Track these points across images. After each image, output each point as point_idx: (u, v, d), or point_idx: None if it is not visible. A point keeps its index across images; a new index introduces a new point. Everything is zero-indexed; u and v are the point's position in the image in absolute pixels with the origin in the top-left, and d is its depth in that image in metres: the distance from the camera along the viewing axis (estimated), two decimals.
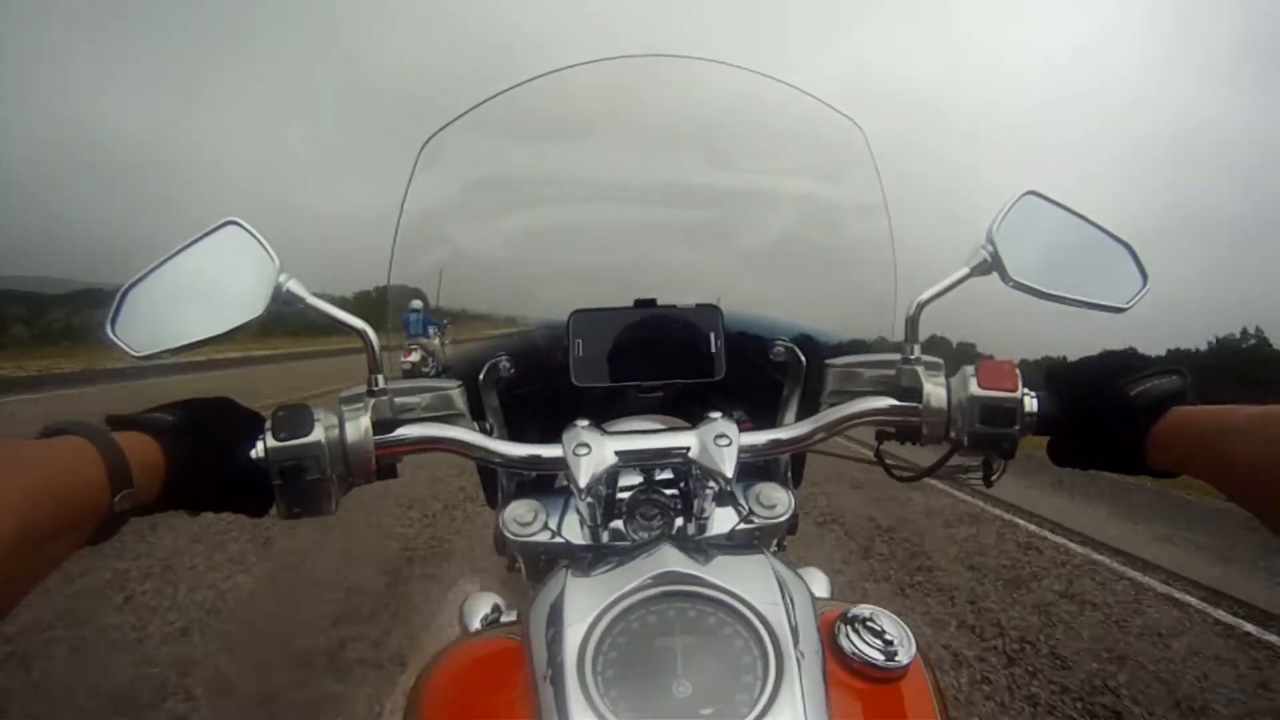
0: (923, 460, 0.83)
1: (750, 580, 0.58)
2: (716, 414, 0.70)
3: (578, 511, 0.72)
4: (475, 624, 0.90)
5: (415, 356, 12.05)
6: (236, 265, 0.72)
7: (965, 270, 0.74)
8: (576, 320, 0.84)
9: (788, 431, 0.73)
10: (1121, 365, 0.71)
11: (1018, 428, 0.71)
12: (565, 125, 0.97)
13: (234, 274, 0.72)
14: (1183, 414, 0.66)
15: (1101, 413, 0.70)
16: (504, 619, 0.89)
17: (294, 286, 0.71)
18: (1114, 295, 0.75)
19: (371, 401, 0.71)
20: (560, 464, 0.68)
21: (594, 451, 0.67)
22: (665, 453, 0.68)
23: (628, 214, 0.99)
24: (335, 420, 0.69)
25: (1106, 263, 0.77)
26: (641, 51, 0.90)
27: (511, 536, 0.73)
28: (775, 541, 0.78)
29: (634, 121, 0.98)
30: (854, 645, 0.58)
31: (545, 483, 0.78)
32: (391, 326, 0.85)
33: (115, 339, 0.73)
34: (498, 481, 0.84)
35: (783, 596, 0.57)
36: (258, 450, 0.67)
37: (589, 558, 0.66)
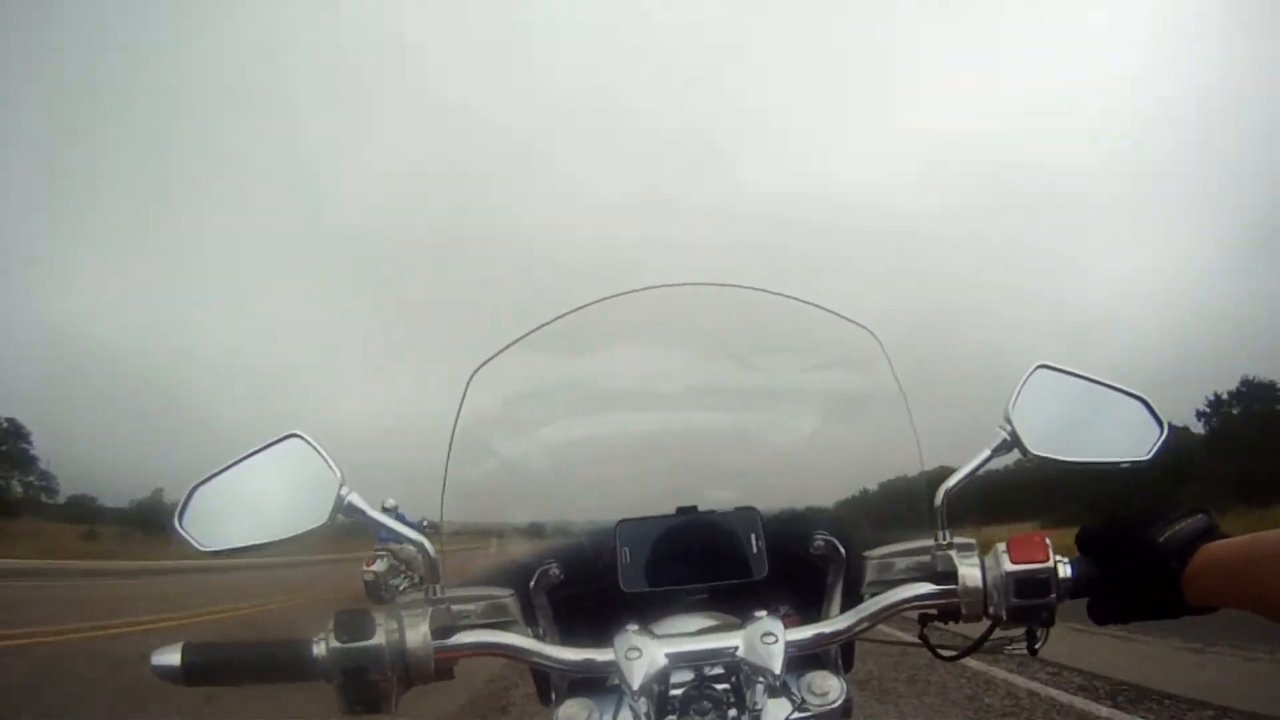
0: (968, 635, 0.85)
1: None
2: (762, 613, 0.73)
3: (631, 709, 0.74)
4: None
5: (379, 566, 10.53)
6: (299, 475, 0.79)
7: (986, 453, 0.80)
8: (623, 529, 0.90)
9: (832, 625, 0.77)
10: (1147, 516, 0.75)
11: (1054, 595, 0.74)
12: (600, 346, 1.06)
13: (297, 483, 0.79)
14: (1213, 550, 0.70)
15: (1134, 565, 0.73)
16: None
17: (355, 499, 0.77)
18: (1134, 449, 0.80)
19: (430, 610, 0.76)
20: (613, 667, 0.71)
21: (645, 654, 0.70)
22: (714, 654, 0.72)
23: (665, 424, 1.07)
24: (395, 625, 0.73)
25: (1123, 418, 0.82)
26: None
27: None
28: None
29: (663, 340, 1.09)
30: None
31: (598, 681, 0.80)
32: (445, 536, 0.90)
33: (184, 532, 0.79)
34: (551, 682, 0.87)
35: None
36: (319, 650, 0.72)
37: None
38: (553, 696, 0.85)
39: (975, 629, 0.81)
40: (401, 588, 11.16)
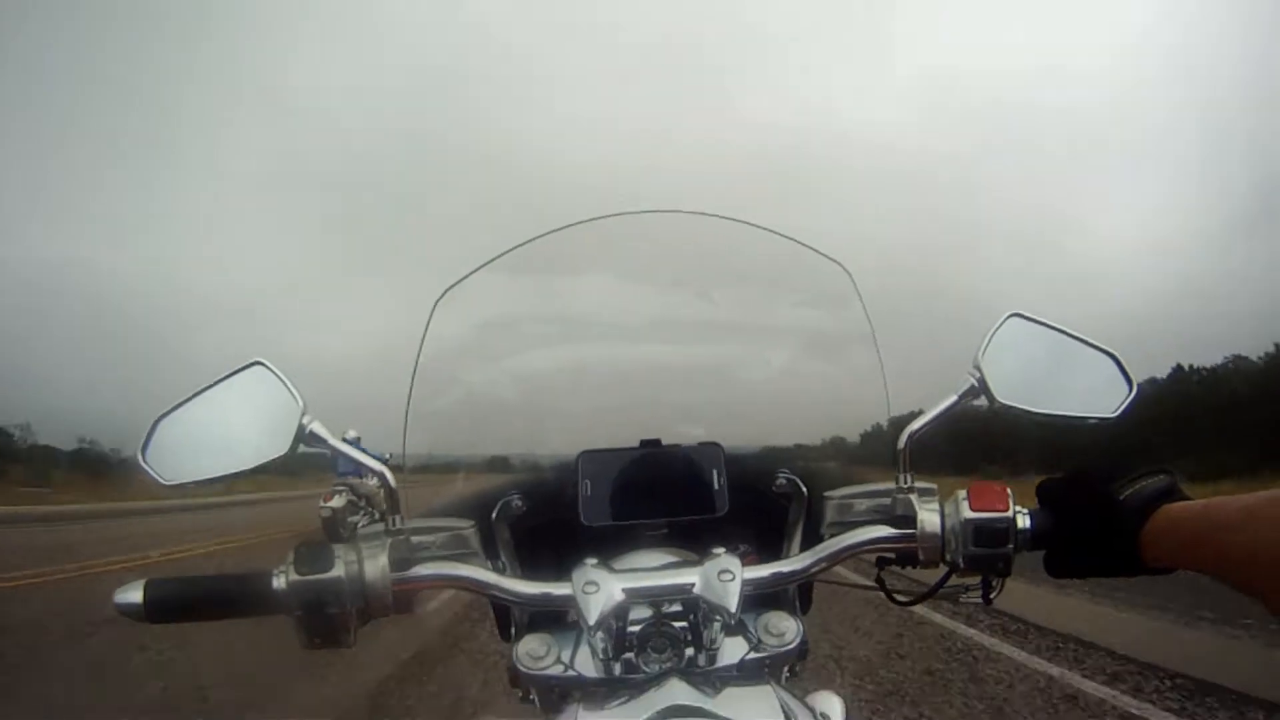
0: (924, 582, 0.86)
1: (755, 712, 0.61)
2: (720, 550, 0.73)
3: (589, 645, 0.75)
4: None
5: (337, 502, 10.22)
6: (262, 404, 0.78)
7: (953, 398, 0.80)
8: (585, 461, 0.90)
9: (790, 564, 0.78)
10: (1109, 473, 0.75)
11: (1011, 546, 0.75)
12: (569, 274, 1.06)
13: (259, 412, 0.78)
14: (1173, 511, 0.70)
15: (1092, 521, 0.74)
16: None
17: (317, 428, 0.76)
18: (1102, 405, 0.80)
19: (389, 541, 0.76)
20: (570, 601, 0.71)
21: (602, 589, 0.70)
22: (671, 590, 0.72)
23: (631, 356, 1.06)
24: (354, 557, 0.73)
25: (1093, 373, 0.82)
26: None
27: (525, 670, 0.76)
28: (787, 669, 0.81)
29: (634, 269, 1.07)
30: None
31: (558, 615, 0.81)
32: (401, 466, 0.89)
33: (147, 466, 0.78)
34: (511, 616, 0.87)
35: None
36: (279, 582, 0.72)
37: (601, 692, 0.69)
38: (513, 631, 0.85)
39: (931, 575, 0.83)
40: (360, 524, 10.52)
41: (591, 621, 0.68)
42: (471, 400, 1.03)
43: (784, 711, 0.61)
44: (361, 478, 10.85)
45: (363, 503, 11.00)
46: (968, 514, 0.75)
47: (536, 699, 0.83)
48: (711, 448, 0.92)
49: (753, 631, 0.77)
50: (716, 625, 0.72)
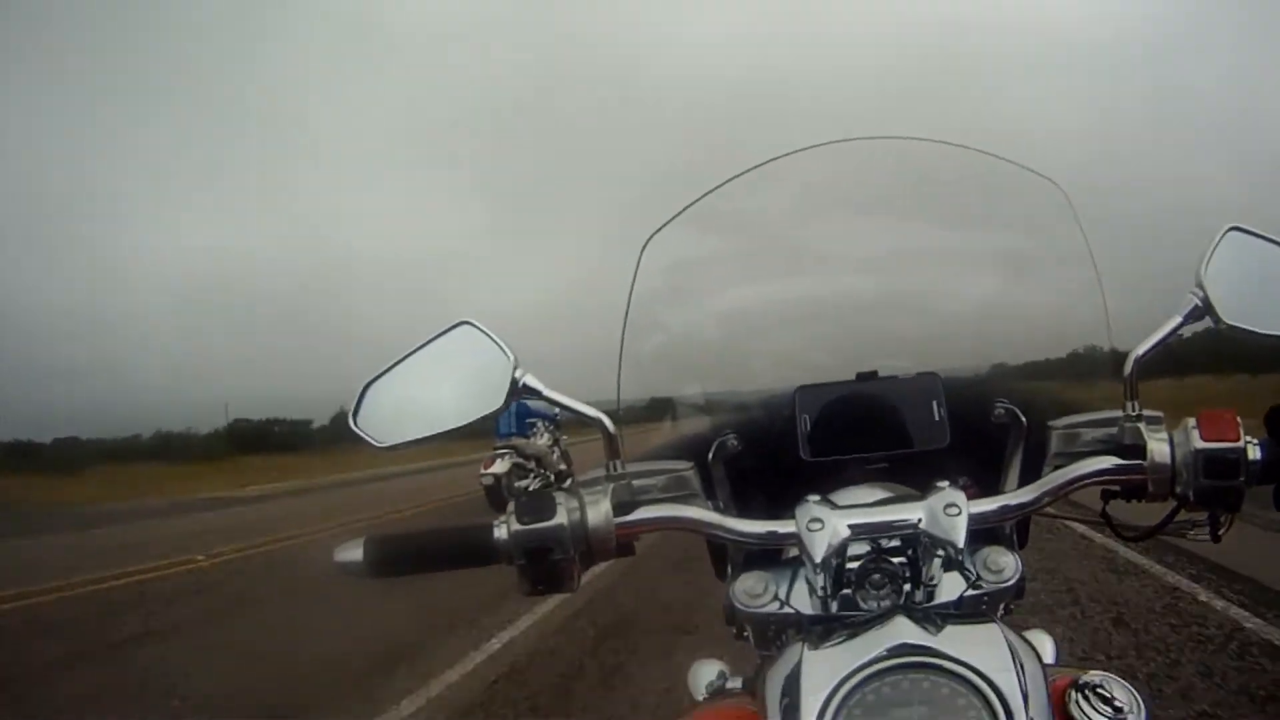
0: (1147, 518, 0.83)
1: (983, 650, 0.59)
2: (944, 483, 0.71)
3: (807, 581, 0.74)
4: (702, 690, 0.93)
5: (499, 467, 9.89)
6: (472, 362, 0.79)
7: (1178, 319, 0.75)
8: (802, 396, 0.89)
9: (1016, 497, 0.75)
10: None
11: (1242, 479, 0.71)
12: (773, 208, 1.04)
13: (470, 370, 0.79)
14: None
15: None
16: (728, 685, 0.92)
17: (530, 380, 0.77)
18: None
19: (610, 486, 0.77)
20: (794, 539, 0.70)
21: (826, 526, 0.69)
22: (895, 525, 0.70)
23: (839, 288, 1.04)
24: (577, 504, 0.74)
25: None
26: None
27: (742, 608, 0.76)
28: (1002, 606, 0.79)
29: (838, 198, 1.05)
30: (1085, 714, 0.60)
31: (773, 553, 0.81)
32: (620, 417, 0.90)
33: (360, 430, 0.81)
34: (727, 554, 0.87)
35: (1014, 665, 0.58)
36: (501, 533, 0.73)
37: (823, 629, 0.68)
38: (729, 572, 0.85)
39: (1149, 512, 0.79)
40: (530, 488, 10.21)
41: (817, 559, 0.67)
42: (681, 341, 1.03)
43: (1010, 651, 0.59)
44: (528, 437, 10.56)
45: (531, 464, 10.59)
46: (1198, 443, 0.71)
47: (751, 636, 0.83)
48: (929, 378, 0.90)
49: (971, 568, 0.74)
50: (936, 562, 0.71)
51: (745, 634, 0.83)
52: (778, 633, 0.77)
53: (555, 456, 11.12)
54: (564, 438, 11.43)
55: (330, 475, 19.92)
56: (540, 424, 11.02)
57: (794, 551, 0.75)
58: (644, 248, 0.92)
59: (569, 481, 0.81)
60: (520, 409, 9.64)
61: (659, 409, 1.04)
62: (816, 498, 0.71)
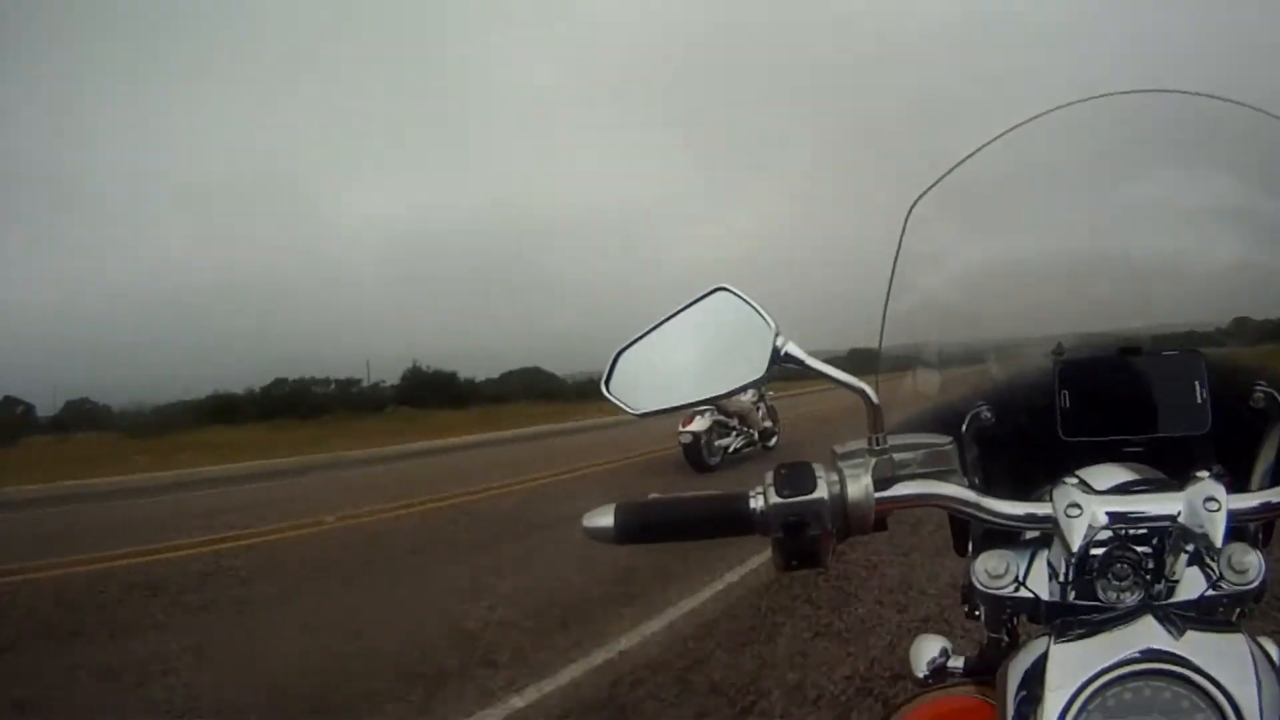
0: None
1: (1228, 662, 0.58)
2: (1203, 474, 0.68)
3: (1049, 565, 0.74)
4: (923, 667, 0.93)
5: (698, 424, 9.41)
6: (731, 329, 0.78)
7: None
8: (1064, 370, 0.86)
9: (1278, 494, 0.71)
10: None
11: None
12: (1033, 169, 1.01)
13: (729, 337, 0.79)
14: None
15: None
16: (950, 663, 0.92)
17: (791, 348, 0.76)
18: None
19: (872, 460, 0.76)
20: (1050, 522, 0.69)
21: (1085, 512, 0.67)
22: (1154, 517, 0.68)
23: (1099, 254, 1.00)
24: (836, 478, 0.74)
25: None
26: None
27: (981, 588, 0.75)
28: (1239, 609, 0.75)
29: (1101, 157, 1.00)
30: None
31: (1014, 532, 0.78)
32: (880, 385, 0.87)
33: (613, 397, 0.83)
34: (968, 530, 0.86)
35: (1257, 680, 0.57)
36: (758, 503, 0.73)
37: (1066, 621, 0.67)
38: (970, 549, 0.84)
39: None
40: (733, 447, 10.14)
41: (1075, 546, 0.66)
42: (933, 307, 1.00)
43: (1254, 665, 0.57)
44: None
45: (734, 422, 10.20)
46: None
47: (984, 615, 0.83)
48: (1193, 357, 0.84)
49: (1214, 565, 0.71)
50: (1184, 556, 0.69)
51: (977, 613, 0.83)
52: (1012, 615, 0.79)
53: (760, 414, 10.82)
54: (769, 393, 11.16)
55: (493, 431, 20.69)
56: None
57: (1033, 531, 0.75)
58: (910, 211, 0.90)
59: (827, 456, 0.79)
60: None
61: (910, 376, 1.02)
62: (1074, 480, 0.70)
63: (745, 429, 10.36)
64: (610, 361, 0.83)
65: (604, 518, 0.77)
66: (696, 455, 9.48)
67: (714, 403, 0.88)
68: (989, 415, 0.88)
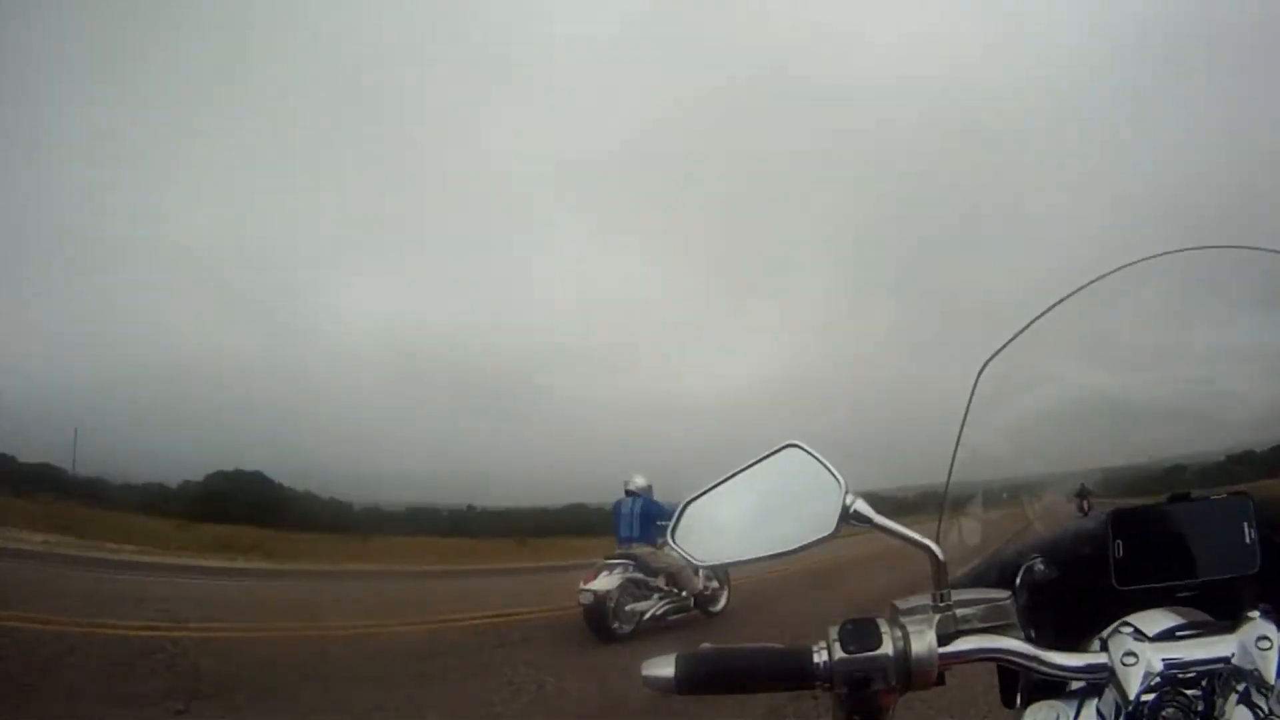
0: None
1: None
2: (1254, 613, 0.70)
3: (1098, 714, 0.73)
4: None
5: (604, 582, 8.18)
6: (799, 485, 0.80)
7: None
8: (1117, 520, 0.87)
9: None
10: None
11: None
12: (1100, 325, 1.04)
13: (797, 494, 0.80)
14: None
15: None
16: None
17: (860, 507, 0.77)
18: None
19: (936, 616, 0.76)
20: (1107, 672, 0.70)
21: (1140, 661, 0.69)
22: (1208, 661, 0.70)
23: (1150, 404, 1.04)
24: (900, 633, 0.74)
25: None
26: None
27: None
28: None
29: (1155, 309, 1.07)
30: None
31: (1063, 682, 0.79)
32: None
33: (678, 547, 0.84)
34: (1017, 680, 0.87)
35: None
36: (821, 658, 0.73)
37: None
38: (1019, 699, 0.84)
39: None
40: (652, 613, 8.27)
41: (1131, 695, 0.67)
42: (984, 460, 1.02)
43: None
44: (657, 546, 8.23)
45: (659, 580, 8.45)
46: None
47: None
48: (1241, 499, 0.86)
49: (1263, 705, 0.70)
50: (1234, 696, 0.69)
51: None
52: None
53: (702, 573, 8.64)
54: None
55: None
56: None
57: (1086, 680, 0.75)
58: (982, 370, 0.93)
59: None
60: (648, 507, 8.62)
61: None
62: (1129, 629, 0.72)
63: (672, 589, 8.61)
64: (678, 512, 0.84)
65: (664, 668, 0.76)
66: (599, 620, 7.78)
67: (783, 558, 0.85)
68: (1043, 567, 0.89)
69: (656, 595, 8.46)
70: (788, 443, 0.82)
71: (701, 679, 0.77)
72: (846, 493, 0.77)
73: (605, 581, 7.89)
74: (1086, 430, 1.04)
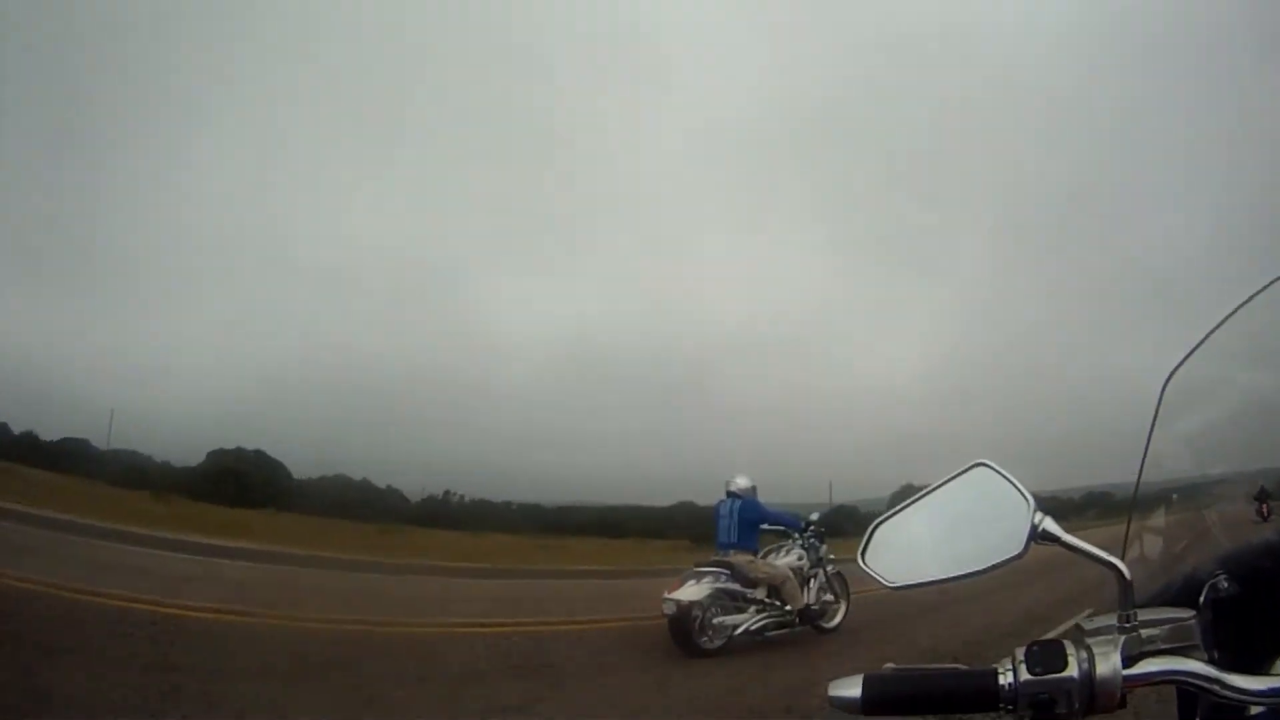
0: None
1: None
2: None
3: None
4: None
5: (692, 592, 7.78)
6: (987, 504, 0.81)
7: None
8: None
9: None
10: None
11: None
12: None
13: (985, 513, 0.81)
14: None
15: None
16: None
17: (1049, 525, 0.78)
18: None
19: (1122, 638, 0.75)
20: None
21: None
22: None
23: None
24: (1085, 655, 0.74)
25: None
26: None
27: None
28: None
29: None
30: None
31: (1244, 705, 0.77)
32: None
33: (868, 568, 0.86)
34: (1196, 701, 0.84)
35: None
36: (1007, 679, 0.74)
37: None
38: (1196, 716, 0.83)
39: None
40: (747, 627, 7.41)
41: None
42: (1162, 471, 1.01)
43: None
44: (754, 552, 7.84)
45: (756, 592, 7.60)
46: None
47: None
48: None
49: None
50: None
51: None
52: None
53: (812, 583, 8.12)
54: (828, 553, 8.37)
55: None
56: (795, 536, 8.34)
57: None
58: (1166, 383, 0.91)
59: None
60: (748, 510, 8.00)
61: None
62: None
63: (773, 602, 7.66)
64: (867, 534, 0.86)
65: (851, 688, 0.77)
66: (683, 633, 7.01)
67: (973, 578, 0.84)
68: (1226, 585, 0.85)
69: (753, 608, 7.58)
70: (977, 461, 0.83)
71: (888, 700, 0.78)
72: (1035, 511, 0.78)
73: (691, 591, 7.15)
74: (1267, 434, 1.00)
